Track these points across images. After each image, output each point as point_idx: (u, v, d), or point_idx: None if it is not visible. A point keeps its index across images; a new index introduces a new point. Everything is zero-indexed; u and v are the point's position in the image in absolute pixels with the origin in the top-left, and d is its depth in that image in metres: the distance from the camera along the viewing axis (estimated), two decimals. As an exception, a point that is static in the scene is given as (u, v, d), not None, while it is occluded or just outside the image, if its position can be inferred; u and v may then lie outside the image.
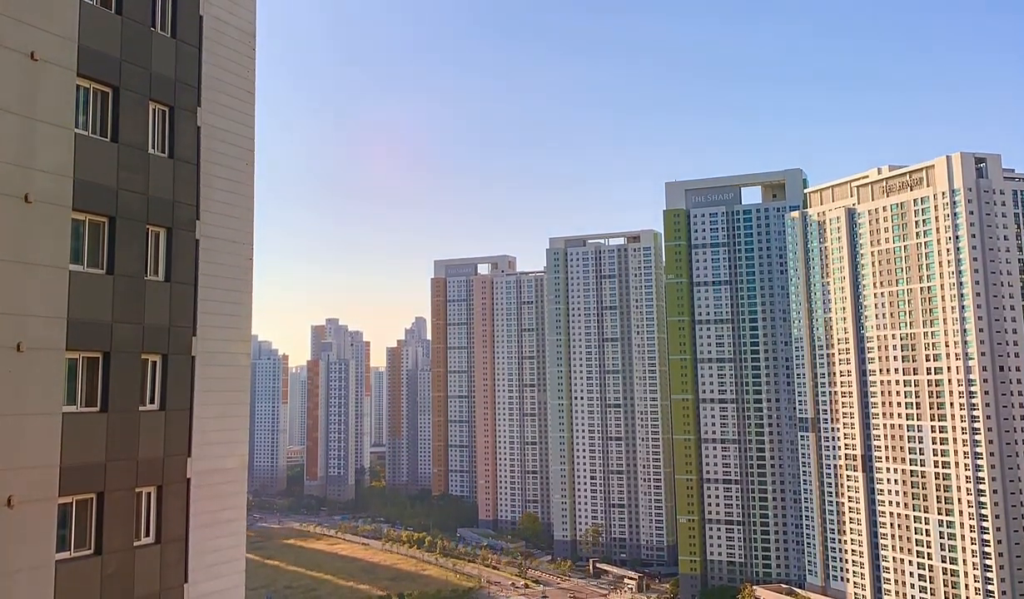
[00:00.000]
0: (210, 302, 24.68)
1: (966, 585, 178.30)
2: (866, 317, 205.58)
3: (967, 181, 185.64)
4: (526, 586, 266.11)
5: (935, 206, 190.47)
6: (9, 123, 19.24)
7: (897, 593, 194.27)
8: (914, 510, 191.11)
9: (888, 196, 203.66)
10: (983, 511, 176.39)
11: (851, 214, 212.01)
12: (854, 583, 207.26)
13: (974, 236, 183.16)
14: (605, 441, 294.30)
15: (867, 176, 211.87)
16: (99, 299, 21.32)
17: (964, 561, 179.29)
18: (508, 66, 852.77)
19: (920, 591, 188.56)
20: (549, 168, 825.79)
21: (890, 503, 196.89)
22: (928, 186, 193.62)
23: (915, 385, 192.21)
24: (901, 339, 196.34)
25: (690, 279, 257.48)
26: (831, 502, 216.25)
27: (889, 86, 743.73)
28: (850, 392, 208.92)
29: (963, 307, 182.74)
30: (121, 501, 21.45)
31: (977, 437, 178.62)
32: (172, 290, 23.44)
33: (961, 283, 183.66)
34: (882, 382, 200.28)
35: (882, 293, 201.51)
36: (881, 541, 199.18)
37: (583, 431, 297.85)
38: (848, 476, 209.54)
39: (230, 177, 25.97)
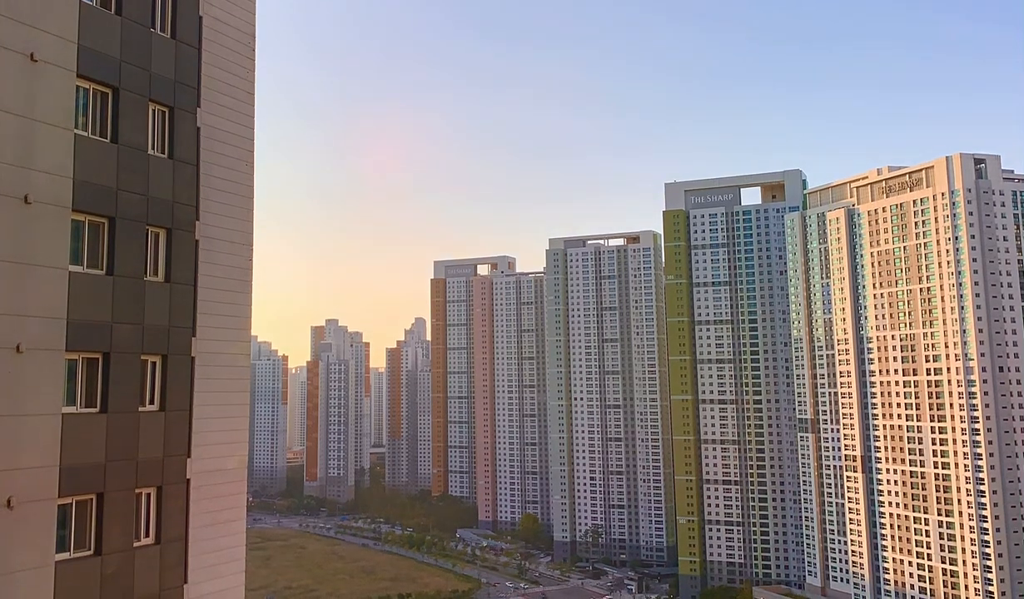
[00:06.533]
0: (210, 303, 24.69)
1: (966, 586, 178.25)
2: (866, 318, 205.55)
3: (967, 182, 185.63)
4: (525, 587, 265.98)
5: (935, 207, 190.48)
6: (9, 124, 19.25)
7: (897, 594, 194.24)
8: (914, 511, 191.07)
9: (888, 197, 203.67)
10: (983, 512, 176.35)
11: (851, 215, 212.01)
12: (854, 584, 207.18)
13: (973, 237, 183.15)
14: (605, 442, 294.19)
15: (867, 177, 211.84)
16: (99, 300, 21.32)
17: (964, 562, 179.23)
18: (508, 68, 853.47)
19: (920, 592, 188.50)
20: (549, 169, 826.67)
21: (890, 504, 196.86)
22: (928, 187, 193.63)
23: (915, 386, 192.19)
24: (901, 340, 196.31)
25: (690, 280, 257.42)
26: (831, 503, 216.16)
27: (889, 87, 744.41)
28: (850, 393, 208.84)
29: (963, 308, 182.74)
30: (121, 502, 21.45)
31: (977, 438, 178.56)
32: (172, 291, 23.44)
33: (961, 284, 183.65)
34: (882, 383, 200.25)
35: (882, 294, 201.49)
36: (881, 542, 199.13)
37: (583, 432, 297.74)
38: (848, 477, 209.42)
39: (230, 178, 25.99)
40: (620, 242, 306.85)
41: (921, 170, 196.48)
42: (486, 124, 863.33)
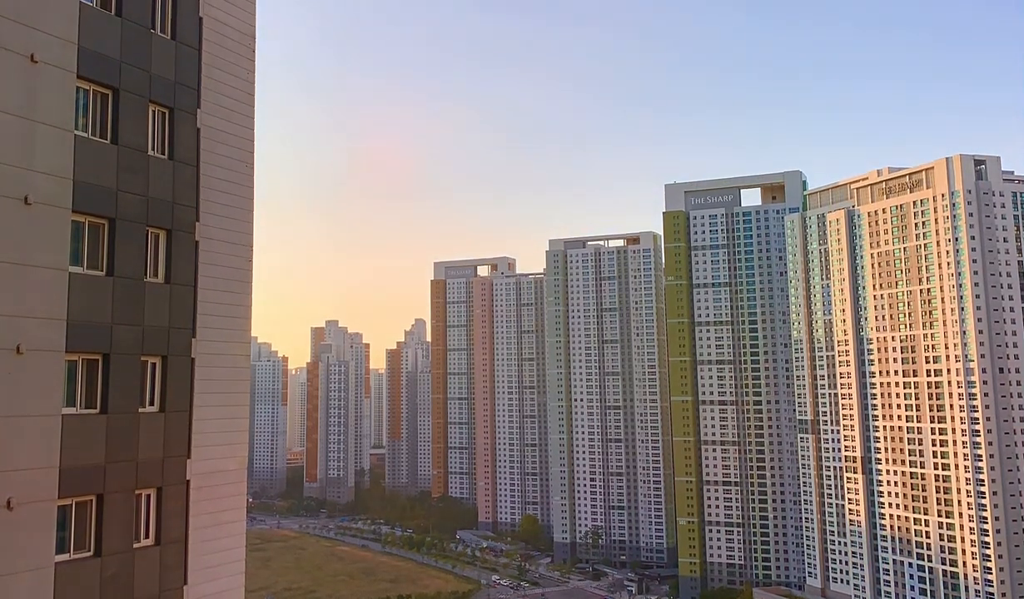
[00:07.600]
0: (210, 304, 24.68)
1: (966, 587, 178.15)
2: (866, 319, 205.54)
3: (967, 183, 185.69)
4: (526, 588, 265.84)
5: (935, 208, 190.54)
6: (9, 125, 19.25)
7: (897, 595, 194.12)
8: (914, 512, 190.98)
9: (888, 198, 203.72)
10: (983, 513, 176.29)
11: (851, 216, 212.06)
12: (854, 586, 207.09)
13: (973, 238, 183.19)
14: (605, 443, 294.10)
15: (867, 178, 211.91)
16: (99, 301, 21.31)
17: (964, 563, 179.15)
18: (508, 67, 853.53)
19: (920, 593, 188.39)
20: (549, 170, 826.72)
21: (890, 505, 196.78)
22: (928, 188, 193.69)
23: (915, 387, 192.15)
24: (901, 341, 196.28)
25: (690, 281, 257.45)
26: (831, 504, 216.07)
27: (889, 87, 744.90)
28: (850, 394, 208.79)
29: (963, 309, 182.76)
30: (121, 503, 21.43)
31: (977, 439, 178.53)
32: (172, 292, 23.43)
33: (961, 285, 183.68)
34: (882, 384, 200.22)
35: (882, 295, 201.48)
36: (881, 543, 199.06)
37: (583, 433, 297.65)
38: (848, 478, 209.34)
39: (230, 179, 25.98)
40: (620, 243, 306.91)
41: (921, 171, 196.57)
42: (487, 124, 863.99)
